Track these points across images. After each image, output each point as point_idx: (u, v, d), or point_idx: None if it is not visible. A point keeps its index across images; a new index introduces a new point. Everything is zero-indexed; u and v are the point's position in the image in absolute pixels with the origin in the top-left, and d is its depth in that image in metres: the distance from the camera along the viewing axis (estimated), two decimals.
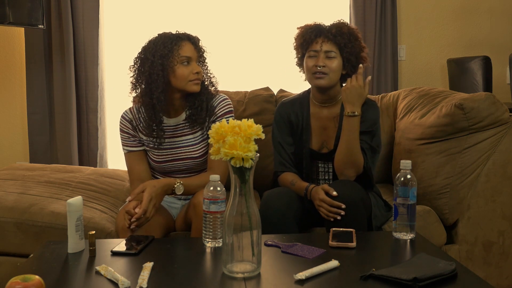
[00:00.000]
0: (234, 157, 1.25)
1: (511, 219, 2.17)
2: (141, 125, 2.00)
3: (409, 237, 1.62)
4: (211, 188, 1.53)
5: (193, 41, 1.95)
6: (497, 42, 4.23)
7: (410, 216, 1.61)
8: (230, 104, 2.03)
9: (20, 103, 3.82)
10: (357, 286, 1.26)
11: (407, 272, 1.25)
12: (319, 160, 2.04)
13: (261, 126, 1.30)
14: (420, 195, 2.10)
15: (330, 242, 1.55)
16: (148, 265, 1.35)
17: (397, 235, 1.63)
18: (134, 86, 1.96)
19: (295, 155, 2.06)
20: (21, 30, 3.69)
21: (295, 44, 2.07)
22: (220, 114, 1.99)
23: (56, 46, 3.63)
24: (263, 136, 1.29)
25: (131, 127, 2.01)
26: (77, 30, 3.65)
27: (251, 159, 1.26)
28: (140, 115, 1.99)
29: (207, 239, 1.54)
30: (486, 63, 3.57)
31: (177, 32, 1.97)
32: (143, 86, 1.93)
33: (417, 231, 1.69)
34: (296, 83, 3.61)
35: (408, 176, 1.62)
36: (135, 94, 1.99)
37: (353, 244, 1.54)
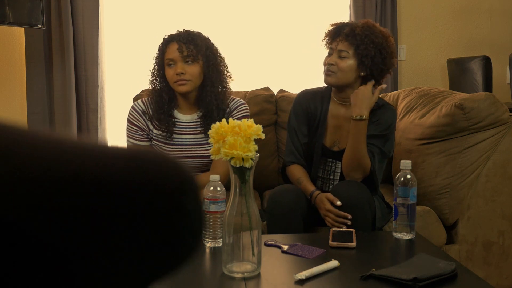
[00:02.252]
0: (234, 157, 1.25)
1: (511, 219, 2.17)
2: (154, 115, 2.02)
3: (409, 237, 1.62)
4: (211, 188, 1.53)
5: (178, 40, 1.94)
6: (497, 42, 4.23)
7: (410, 216, 1.61)
8: (247, 109, 2.07)
9: (20, 103, 3.82)
10: (357, 286, 1.26)
11: (407, 272, 1.25)
12: (329, 157, 2.03)
13: (261, 126, 1.30)
14: (420, 195, 2.09)
15: (330, 242, 1.55)
16: None
17: (397, 235, 1.63)
18: (151, 80, 2.04)
19: (307, 148, 2.05)
20: (21, 30, 3.69)
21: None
22: (237, 117, 2.00)
23: (56, 46, 3.63)
24: (263, 136, 1.29)
25: (142, 119, 2.01)
26: (77, 30, 3.65)
27: (251, 159, 1.26)
28: (152, 106, 2.02)
29: (207, 239, 1.54)
30: (486, 63, 3.57)
31: (176, 32, 1.99)
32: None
33: (417, 231, 1.69)
34: (296, 83, 3.63)
35: (408, 176, 1.62)
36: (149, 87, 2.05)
37: (353, 244, 1.54)
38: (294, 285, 1.26)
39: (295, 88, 2.86)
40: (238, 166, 1.26)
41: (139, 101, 2.04)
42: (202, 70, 1.96)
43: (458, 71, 3.85)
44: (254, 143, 1.27)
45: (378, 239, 1.73)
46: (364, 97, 1.88)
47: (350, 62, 1.93)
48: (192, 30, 2.00)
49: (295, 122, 2.06)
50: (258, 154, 1.28)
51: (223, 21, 3.83)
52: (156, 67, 2.00)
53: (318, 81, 3.34)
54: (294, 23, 3.85)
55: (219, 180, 1.55)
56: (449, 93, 2.38)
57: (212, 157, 1.30)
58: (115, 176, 0.35)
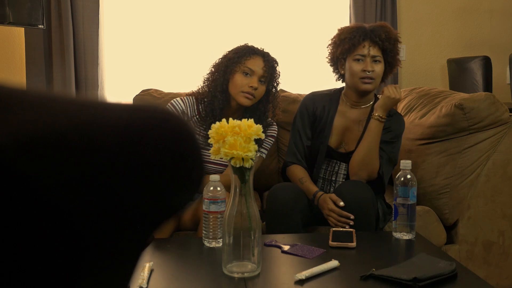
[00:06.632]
0: (234, 157, 1.25)
1: (511, 219, 2.17)
2: (195, 117, 2.00)
3: (409, 237, 1.62)
4: (211, 188, 1.53)
5: (267, 59, 1.98)
6: (497, 42, 4.23)
7: (410, 216, 1.61)
8: (276, 130, 2.12)
9: None
10: (357, 286, 1.26)
11: (407, 272, 1.25)
12: (334, 158, 2.03)
13: (261, 126, 1.30)
14: (420, 195, 2.10)
15: (330, 242, 1.55)
16: (148, 265, 1.35)
17: (397, 235, 1.63)
18: (207, 80, 2.03)
19: (310, 149, 2.05)
20: (21, 30, 3.69)
21: (332, 44, 2.03)
22: (267, 135, 2.05)
23: (56, 46, 3.64)
24: (263, 136, 1.29)
25: None
26: (77, 30, 3.65)
27: (251, 159, 1.26)
28: (199, 107, 2.02)
29: (207, 239, 1.54)
30: (486, 63, 3.57)
31: (260, 48, 2.03)
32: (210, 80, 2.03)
33: (417, 231, 1.69)
34: (296, 83, 3.63)
35: (408, 176, 1.62)
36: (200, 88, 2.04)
37: (353, 244, 1.54)
38: (294, 285, 1.26)
39: (295, 88, 2.86)
40: (238, 166, 1.26)
41: (179, 99, 2.03)
42: (263, 94, 2.00)
43: (458, 71, 3.85)
44: (254, 143, 1.27)
45: (378, 239, 1.73)
46: (393, 103, 1.89)
47: (382, 66, 1.96)
48: (271, 55, 2.04)
49: (300, 124, 2.07)
50: (259, 154, 1.28)
51: (223, 21, 3.83)
52: (222, 68, 1.97)
53: (318, 81, 3.34)
54: (293, 23, 3.85)
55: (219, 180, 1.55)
56: (449, 93, 2.38)
57: (212, 157, 1.30)
58: (113, 132, 0.36)
